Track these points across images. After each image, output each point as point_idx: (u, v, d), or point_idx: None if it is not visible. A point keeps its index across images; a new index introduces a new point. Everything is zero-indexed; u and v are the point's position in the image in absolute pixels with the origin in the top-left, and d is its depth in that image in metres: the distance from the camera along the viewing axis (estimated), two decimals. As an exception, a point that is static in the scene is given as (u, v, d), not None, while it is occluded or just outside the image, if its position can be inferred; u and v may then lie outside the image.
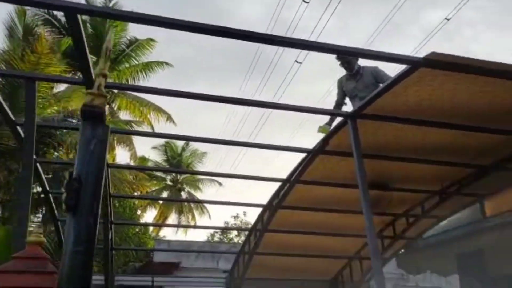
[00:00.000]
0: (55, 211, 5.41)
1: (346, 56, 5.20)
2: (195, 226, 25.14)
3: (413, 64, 2.68)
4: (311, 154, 4.16)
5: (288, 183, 4.74)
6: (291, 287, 7.74)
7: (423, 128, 3.61)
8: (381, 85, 5.38)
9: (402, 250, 6.82)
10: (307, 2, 13.26)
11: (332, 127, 4.52)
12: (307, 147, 4.27)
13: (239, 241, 26.27)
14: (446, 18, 12.86)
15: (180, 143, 25.96)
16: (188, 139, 13.08)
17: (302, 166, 4.37)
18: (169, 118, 16.42)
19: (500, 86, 3.00)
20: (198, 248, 13.17)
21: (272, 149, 4.45)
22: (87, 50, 2.59)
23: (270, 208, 5.36)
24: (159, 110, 16.37)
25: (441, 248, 6.13)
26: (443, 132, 3.67)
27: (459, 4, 12.47)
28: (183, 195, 26.87)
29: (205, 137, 4.46)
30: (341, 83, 5.58)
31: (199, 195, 27.59)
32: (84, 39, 2.46)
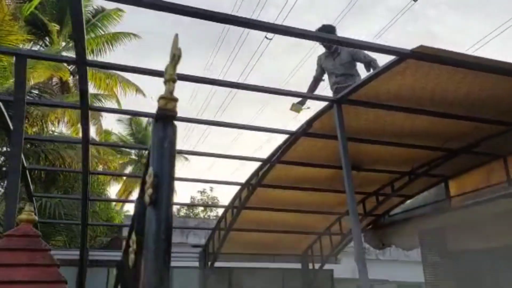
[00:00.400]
0: (31, 187, 5.35)
1: (327, 31, 5.36)
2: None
3: (401, 55, 2.83)
4: (294, 136, 4.30)
5: (269, 163, 4.88)
6: (263, 260, 8.02)
7: (400, 114, 3.81)
8: (357, 63, 5.64)
9: (369, 226, 7.19)
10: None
11: (310, 109, 4.71)
12: (280, 127, 4.47)
13: (206, 216, 26.52)
14: (413, 0, 13.20)
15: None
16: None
17: (284, 147, 4.51)
18: (137, 90, 16.10)
19: (477, 78, 3.21)
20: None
21: (256, 130, 4.56)
22: (84, 30, 2.56)
23: (249, 187, 5.50)
24: (126, 82, 15.99)
25: (405, 225, 6.48)
26: (420, 118, 3.88)
27: None
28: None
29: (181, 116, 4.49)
30: (320, 60, 5.81)
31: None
32: (84, 20, 2.44)
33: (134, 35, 16.48)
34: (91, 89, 15.89)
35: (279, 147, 4.65)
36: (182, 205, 25.94)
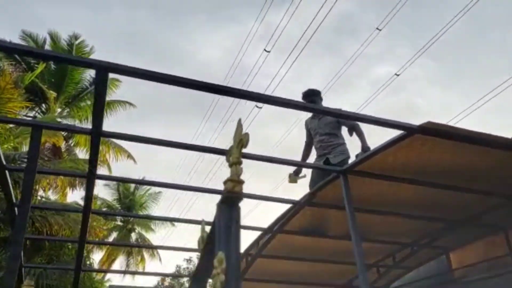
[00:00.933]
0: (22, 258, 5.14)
1: (312, 97, 5.58)
2: (157, 274, 24.04)
3: (409, 131, 2.93)
4: (297, 206, 4.30)
5: (271, 233, 4.82)
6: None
7: (404, 185, 3.86)
8: (343, 126, 5.69)
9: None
10: (268, 52, 13.88)
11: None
12: (289, 198, 4.44)
13: None
14: (396, 74, 13.87)
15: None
16: (148, 183, 12.88)
17: (288, 217, 4.49)
18: (129, 156, 16.15)
19: (479, 152, 3.32)
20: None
21: (256, 199, 4.54)
22: (104, 108, 2.63)
23: (247, 257, 5.37)
24: (119, 148, 16.08)
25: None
26: (423, 189, 3.93)
27: (407, 62, 13.60)
28: (134, 236, 25.97)
29: (170, 183, 4.38)
30: (306, 124, 5.91)
31: (151, 236, 26.75)
32: (105, 97, 2.52)
33: (130, 103, 16.86)
34: (84, 154, 15.90)
35: (281, 217, 4.62)
36: (168, 276, 24.97)
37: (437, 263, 5.87)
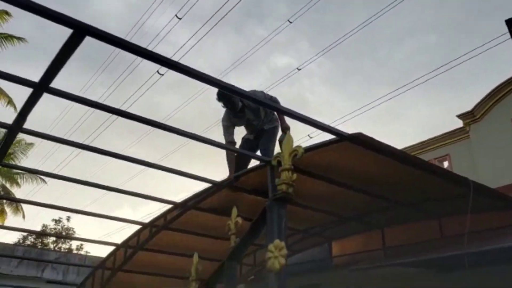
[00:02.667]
0: None
1: (229, 94, 5.08)
2: (47, 234, 22.08)
3: (342, 138, 3.33)
4: (216, 187, 4.49)
5: (183, 208, 4.94)
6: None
7: (317, 181, 4.31)
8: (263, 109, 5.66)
9: (252, 277, 7.51)
10: (180, 19, 13.63)
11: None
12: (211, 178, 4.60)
13: (57, 248, 24.02)
14: (297, 68, 14.81)
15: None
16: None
17: (204, 196, 4.66)
18: (10, 102, 14.54)
19: (386, 162, 3.87)
20: (22, 254, 11.82)
21: (178, 174, 4.61)
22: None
23: (151, 228, 5.43)
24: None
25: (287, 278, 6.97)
26: (327, 186, 4.43)
27: (310, 59, 14.75)
28: (-4, 188, 23.51)
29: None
30: (227, 122, 5.51)
31: (15, 190, 24.48)
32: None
33: (20, 38, 15.03)
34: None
35: (198, 194, 4.78)
36: (56, 236, 23.20)
37: (320, 250, 6.59)
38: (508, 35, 7.60)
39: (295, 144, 3.12)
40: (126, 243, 5.86)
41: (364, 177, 4.28)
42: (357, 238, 6.10)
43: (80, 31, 2.19)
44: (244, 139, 5.76)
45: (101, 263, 6.34)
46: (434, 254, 4.85)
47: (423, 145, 7.31)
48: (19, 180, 23.90)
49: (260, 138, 5.64)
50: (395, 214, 5.23)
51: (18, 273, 11.19)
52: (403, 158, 3.65)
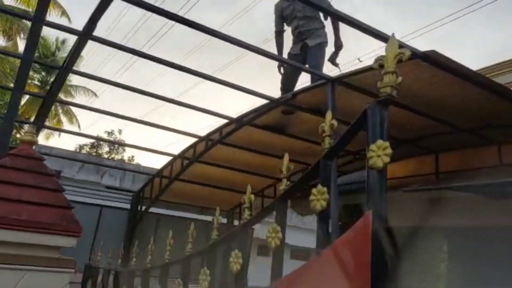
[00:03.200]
0: None
1: None
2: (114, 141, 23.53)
3: (413, 54, 3.15)
4: (274, 104, 4.50)
5: (238, 124, 5.03)
6: (192, 211, 8.24)
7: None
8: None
9: (298, 194, 7.76)
10: None
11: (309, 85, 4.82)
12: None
13: (111, 158, 25.51)
14: None
15: (55, 39, 23.05)
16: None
17: (262, 112, 4.70)
18: (63, 13, 14.71)
19: (458, 85, 3.68)
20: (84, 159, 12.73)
21: (235, 88, 4.60)
22: None
23: (207, 141, 5.61)
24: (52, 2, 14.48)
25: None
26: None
27: None
28: (52, 99, 24.69)
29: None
30: (278, 9, 5.58)
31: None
32: None
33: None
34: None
35: (252, 111, 4.82)
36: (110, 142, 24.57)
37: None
38: None
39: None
40: (182, 154, 6.13)
41: (427, 99, 4.12)
42: (410, 162, 6.04)
43: None
44: (291, 55, 5.56)
45: (159, 171, 6.71)
46: (487, 180, 4.77)
47: (492, 69, 6.86)
48: (72, 92, 24.95)
49: (305, 53, 5.40)
50: (452, 139, 5.08)
51: (80, 177, 12.11)
52: (476, 80, 3.45)
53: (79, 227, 2.63)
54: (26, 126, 3.57)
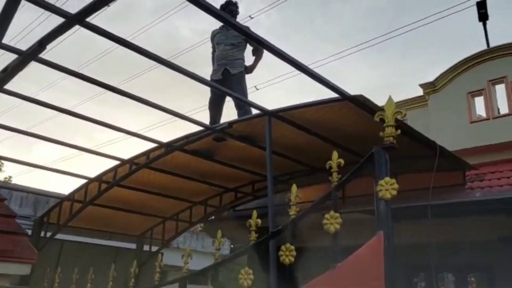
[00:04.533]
0: None
1: (230, 7, 5.76)
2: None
3: (343, 96, 3.66)
4: (210, 130, 4.71)
5: (168, 148, 5.10)
6: (99, 237, 7.86)
7: (299, 133, 4.68)
8: (249, 44, 5.69)
9: (212, 217, 7.94)
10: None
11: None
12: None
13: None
14: (250, 16, 14.71)
15: None
16: None
17: (193, 138, 4.85)
18: None
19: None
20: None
21: (170, 114, 4.68)
22: None
23: (132, 165, 5.53)
24: None
25: (240, 220, 7.47)
26: (313, 139, 4.82)
27: (260, 10, 14.63)
28: None
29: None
30: (213, 34, 6.03)
31: None
32: None
33: None
34: None
35: (187, 136, 4.96)
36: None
37: (282, 196, 7.09)
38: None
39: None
40: (100, 177, 5.93)
41: (342, 133, 4.67)
42: (322, 187, 6.64)
43: None
44: (213, 81, 5.74)
45: (71, 194, 6.36)
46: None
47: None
48: None
49: (226, 81, 5.65)
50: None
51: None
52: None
53: (34, 253, 2.53)
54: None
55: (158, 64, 3.43)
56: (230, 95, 5.07)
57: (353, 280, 1.76)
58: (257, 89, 11.61)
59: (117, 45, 3.08)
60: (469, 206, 5.09)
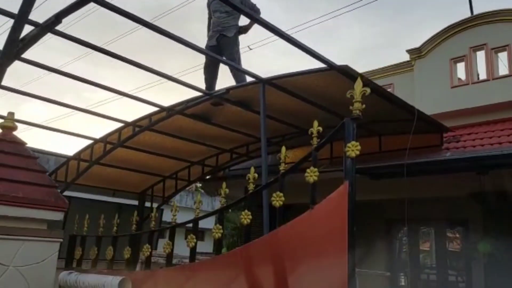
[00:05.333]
0: None
1: None
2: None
3: (331, 67, 4.08)
4: (209, 96, 5.12)
5: (169, 112, 5.51)
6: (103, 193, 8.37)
7: (290, 98, 5.11)
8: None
9: (208, 177, 8.47)
10: None
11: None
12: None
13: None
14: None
15: None
16: None
17: (193, 103, 5.27)
18: None
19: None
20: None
21: (171, 80, 5.07)
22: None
23: (135, 127, 5.95)
24: None
25: (237, 179, 7.98)
26: (301, 104, 5.25)
27: None
28: None
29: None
30: (209, 3, 6.27)
31: None
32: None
33: None
34: None
35: (186, 101, 5.37)
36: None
37: (274, 157, 7.59)
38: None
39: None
40: (105, 138, 6.36)
41: (329, 98, 5.09)
42: (307, 149, 7.12)
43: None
44: (209, 47, 6.05)
45: (77, 154, 6.79)
46: (371, 163, 6.07)
47: (372, 73, 8.32)
48: None
49: (221, 45, 5.95)
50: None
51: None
52: (374, 88, 4.51)
53: (65, 203, 3.01)
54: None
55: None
56: (224, 63, 5.45)
57: (325, 217, 2.27)
58: (250, 49, 11.86)
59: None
60: (442, 165, 5.63)
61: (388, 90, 7.83)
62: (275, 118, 5.76)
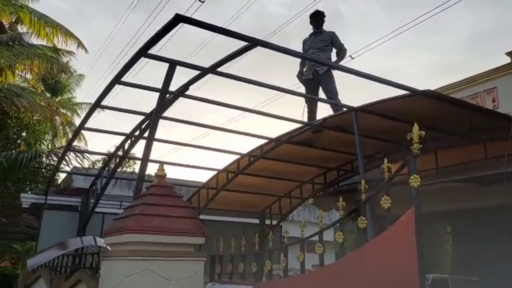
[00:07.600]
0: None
1: (317, 17, 6.85)
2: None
3: (414, 92, 4.52)
4: (309, 126, 5.86)
5: (276, 142, 6.36)
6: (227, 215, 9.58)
7: (386, 120, 5.56)
8: (333, 47, 6.83)
9: (320, 193, 9.13)
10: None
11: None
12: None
13: (122, 172, 26.63)
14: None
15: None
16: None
17: (298, 132, 6.05)
18: (80, 44, 15.84)
19: (446, 108, 5.04)
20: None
21: (275, 118, 5.91)
22: None
23: (250, 157, 6.94)
24: (68, 34, 15.61)
25: (349, 194, 8.50)
26: (401, 125, 5.67)
27: None
28: (58, 119, 25.79)
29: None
30: (304, 41, 7.09)
31: (77, 120, 26.74)
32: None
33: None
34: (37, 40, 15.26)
35: (290, 132, 6.18)
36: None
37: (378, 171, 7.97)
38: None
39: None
40: (227, 168, 7.46)
41: (424, 116, 5.44)
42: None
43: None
44: (305, 80, 6.87)
45: (206, 183, 8.03)
46: (480, 172, 6.15)
47: (473, 79, 8.26)
48: (78, 111, 26.04)
49: (317, 79, 6.68)
50: (447, 141, 6.42)
51: (114, 192, 13.31)
52: (454, 101, 4.83)
53: (205, 230, 3.97)
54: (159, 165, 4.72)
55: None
56: (319, 100, 6.20)
57: (397, 235, 2.80)
58: (352, 58, 11.67)
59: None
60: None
61: (491, 94, 7.75)
62: (372, 137, 6.24)
